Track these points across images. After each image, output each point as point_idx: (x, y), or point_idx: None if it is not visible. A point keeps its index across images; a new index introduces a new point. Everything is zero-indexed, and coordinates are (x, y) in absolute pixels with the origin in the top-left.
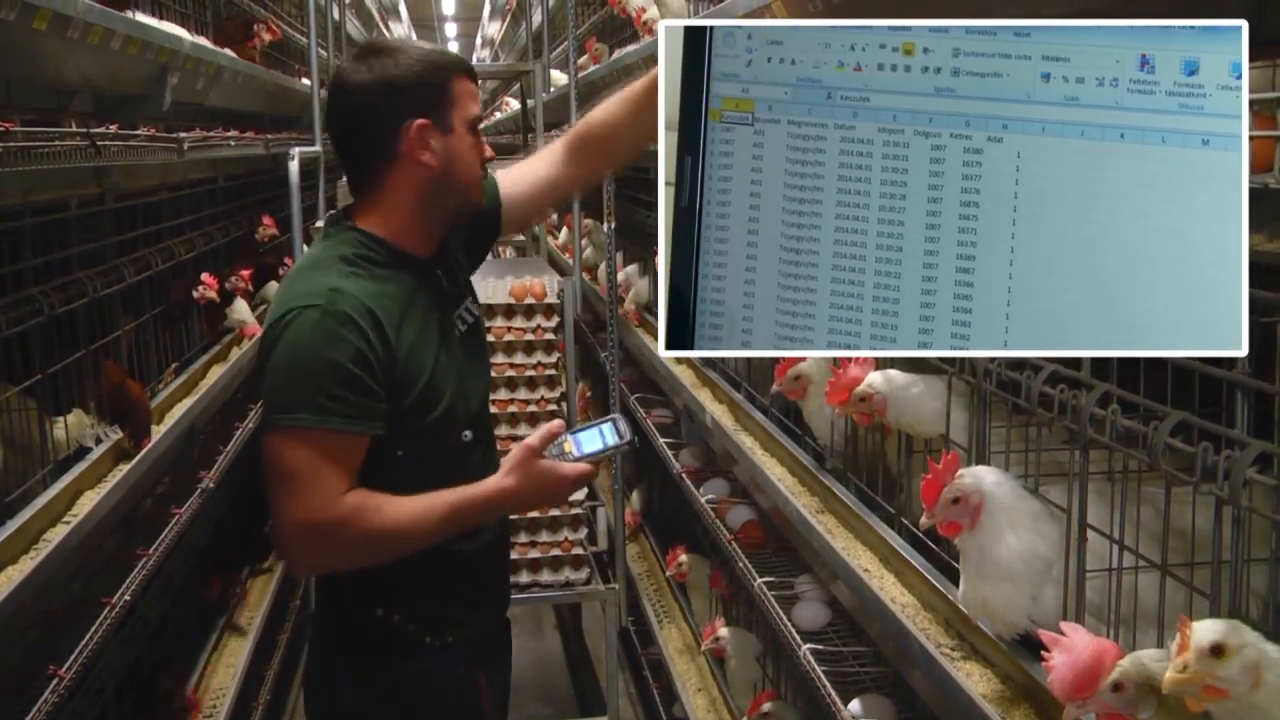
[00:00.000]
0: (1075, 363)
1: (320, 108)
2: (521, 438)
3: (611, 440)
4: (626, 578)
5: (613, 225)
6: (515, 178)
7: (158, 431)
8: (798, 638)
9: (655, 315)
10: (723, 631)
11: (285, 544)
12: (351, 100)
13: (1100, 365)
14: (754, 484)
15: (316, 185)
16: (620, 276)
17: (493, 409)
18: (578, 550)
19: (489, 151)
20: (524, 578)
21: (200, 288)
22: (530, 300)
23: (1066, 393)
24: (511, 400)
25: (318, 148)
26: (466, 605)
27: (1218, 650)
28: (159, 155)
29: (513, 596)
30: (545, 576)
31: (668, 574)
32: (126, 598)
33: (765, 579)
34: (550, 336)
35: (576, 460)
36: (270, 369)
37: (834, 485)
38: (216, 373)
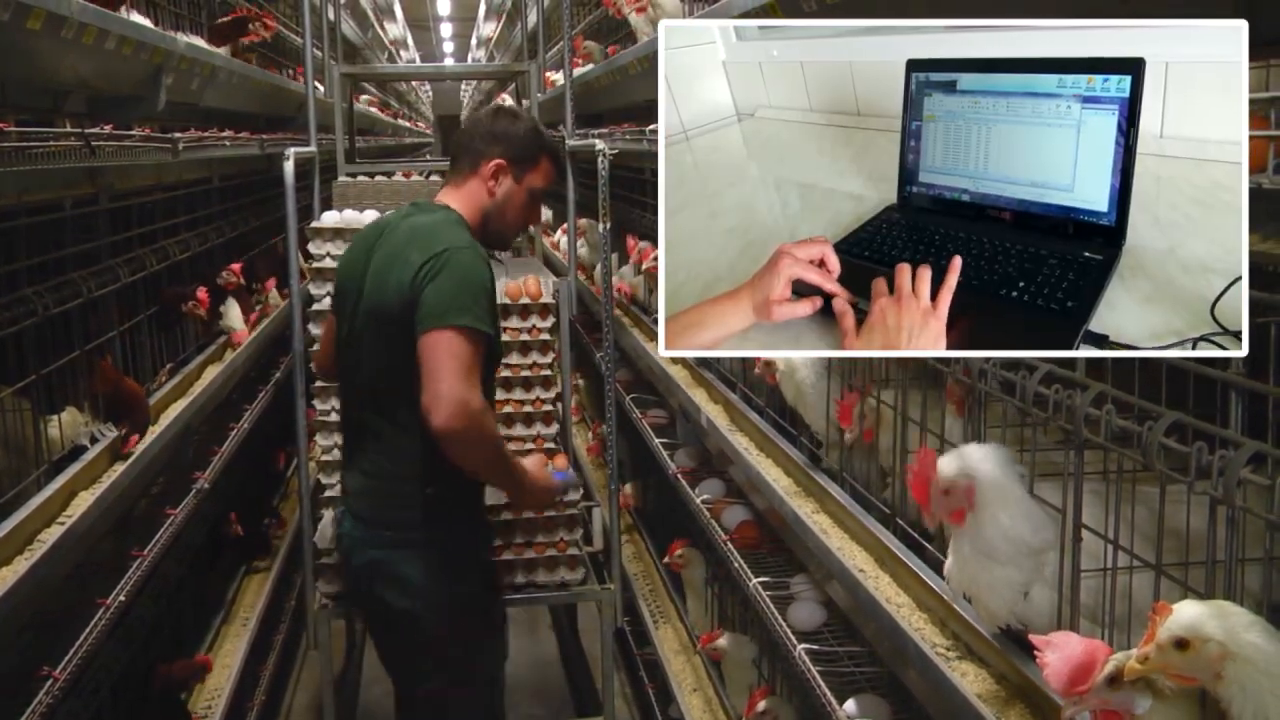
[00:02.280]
0: (1070, 363)
1: (316, 108)
2: (518, 438)
3: (566, 479)
4: (622, 578)
5: (608, 225)
6: None
7: (152, 432)
8: (793, 638)
9: (640, 308)
10: (720, 641)
11: (445, 407)
12: (478, 125)
13: (1095, 365)
14: (749, 484)
15: (311, 185)
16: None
17: None
18: (573, 551)
19: (540, 219)
20: (520, 578)
21: (191, 303)
22: (526, 300)
23: (1061, 393)
24: (507, 400)
25: (313, 148)
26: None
27: (1182, 644)
28: (153, 155)
29: (509, 598)
30: (541, 577)
31: (664, 560)
32: (121, 598)
33: (760, 579)
34: (546, 337)
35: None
36: (444, 280)
37: (829, 485)
38: (211, 373)
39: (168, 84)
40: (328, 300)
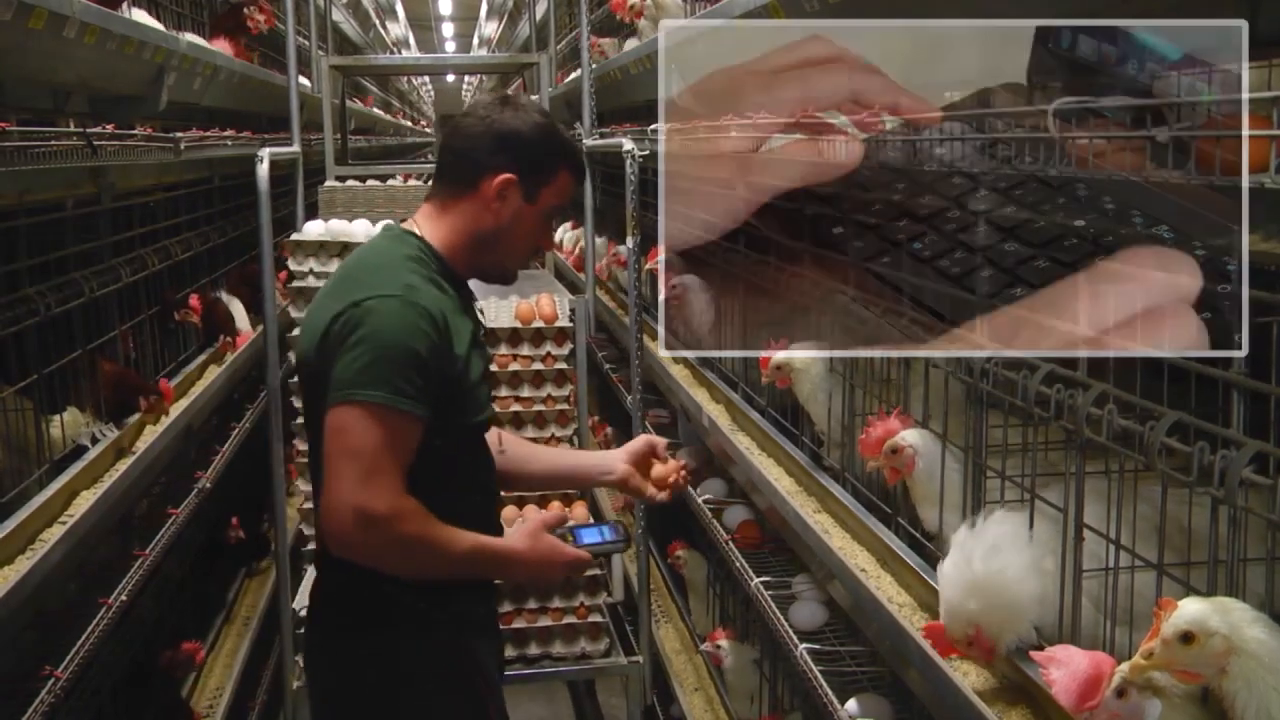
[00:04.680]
0: (1072, 362)
1: (299, 102)
2: None
3: (609, 537)
4: (629, 588)
5: (638, 239)
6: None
7: (154, 432)
8: (795, 637)
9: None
10: (722, 643)
11: (336, 520)
12: (475, 125)
13: (1097, 365)
14: (751, 484)
15: (295, 190)
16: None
17: None
18: (595, 618)
19: (552, 242)
20: (533, 650)
21: (183, 310)
22: (539, 324)
23: (1063, 392)
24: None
25: (295, 148)
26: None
27: (1187, 638)
28: (155, 155)
29: (521, 672)
30: (558, 648)
31: (666, 561)
32: (123, 598)
33: (762, 579)
34: (562, 366)
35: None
36: (351, 346)
37: (831, 485)
38: (213, 373)
39: (170, 83)
40: None
